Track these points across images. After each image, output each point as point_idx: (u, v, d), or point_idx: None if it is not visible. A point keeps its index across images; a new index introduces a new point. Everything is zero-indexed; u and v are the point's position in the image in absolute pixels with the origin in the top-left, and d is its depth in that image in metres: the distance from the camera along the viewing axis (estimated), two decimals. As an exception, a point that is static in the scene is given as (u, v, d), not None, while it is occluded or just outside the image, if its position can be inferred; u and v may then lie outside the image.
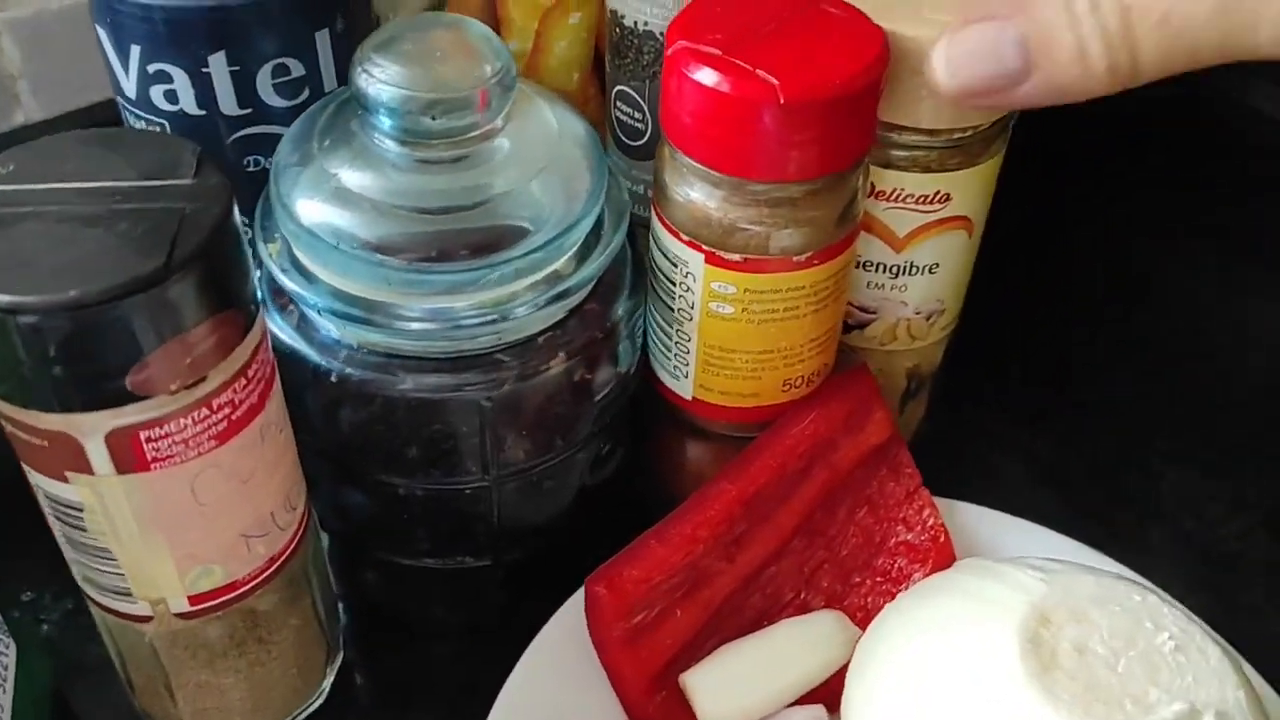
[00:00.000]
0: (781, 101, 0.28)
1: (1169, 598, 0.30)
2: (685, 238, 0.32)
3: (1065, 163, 0.56)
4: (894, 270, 0.36)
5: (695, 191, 0.31)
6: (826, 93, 0.28)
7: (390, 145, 0.29)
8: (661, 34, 0.35)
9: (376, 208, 0.29)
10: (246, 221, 0.28)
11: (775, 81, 0.28)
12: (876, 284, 0.36)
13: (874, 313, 0.37)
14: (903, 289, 0.36)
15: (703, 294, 0.33)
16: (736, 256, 0.31)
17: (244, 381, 0.26)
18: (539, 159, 0.31)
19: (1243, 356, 0.48)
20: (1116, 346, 0.49)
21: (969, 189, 0.35)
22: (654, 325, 0.35)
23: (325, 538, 0.36)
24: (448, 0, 0.39)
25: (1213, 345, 0.49)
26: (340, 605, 0.36)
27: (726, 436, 0.37)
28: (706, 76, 0.29)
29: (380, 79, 0.28)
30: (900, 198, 0.34)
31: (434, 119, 0.28)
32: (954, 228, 0.35)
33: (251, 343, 0.26)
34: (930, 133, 0.33)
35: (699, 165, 0.30)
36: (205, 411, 0.26)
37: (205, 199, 0.25)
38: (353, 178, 0.29)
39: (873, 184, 0.34)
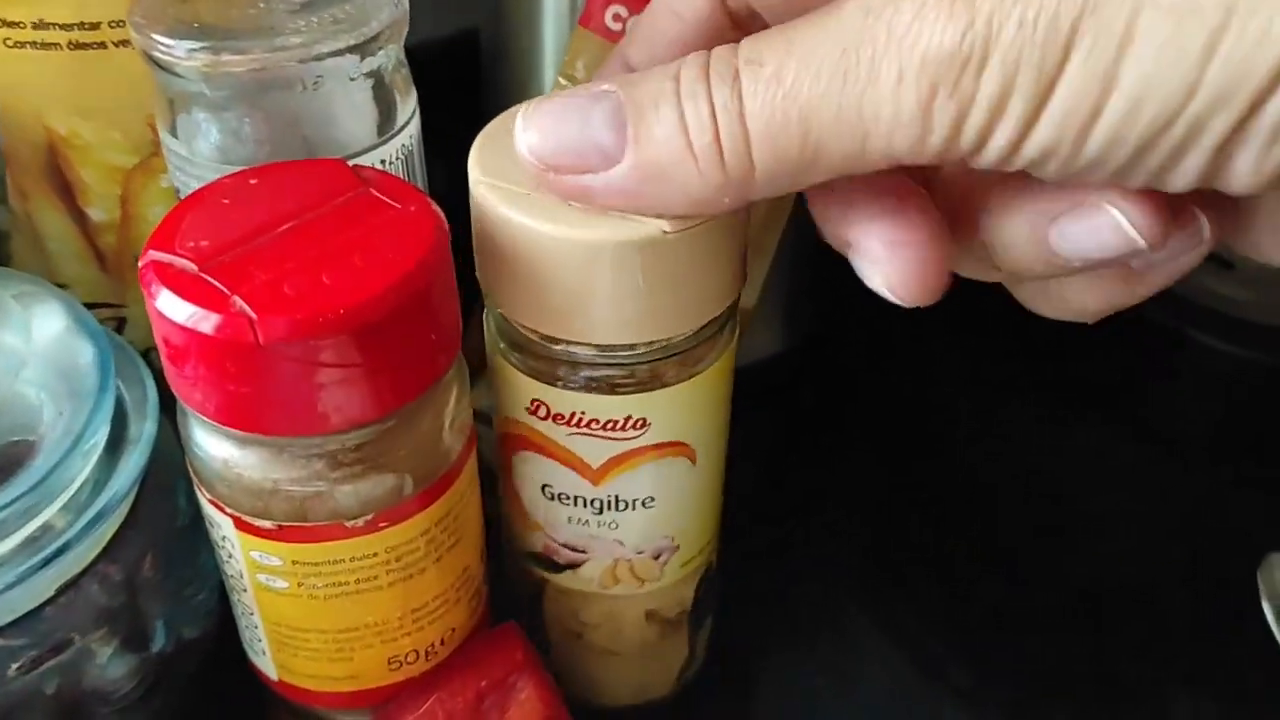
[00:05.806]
0: (260, 342, 0.20)
1: None
2: (209, 497, 0.24)
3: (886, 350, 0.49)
4: (596, 505, 0.28)
5: (212, 444, 0.24)
6: (326, 327, 0.21)
7: None
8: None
9: None
10: None
11: (253, 315, 0.21)
12: (580, 519, 0.28)
13: (584, 552, 0.29)
14: (612, 526, 0.28)
15: (246, 564, 0.25)
16: (269, 524, 0.24)
17: None
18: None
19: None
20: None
21: (673, 411, 0.27)
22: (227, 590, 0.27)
23: None
24: (6, 161, 0.31)
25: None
26: None
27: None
28: (169, 304, 0.21)
29: None
30: (583, 423, 0.26)
31: None
32: (666, 454, 0.27)
33: None
34: (605, 348, 0.25)
35: (196, 414, 0.23)
36: None
37: None
38: None
39: (548, 405, 0.26)
